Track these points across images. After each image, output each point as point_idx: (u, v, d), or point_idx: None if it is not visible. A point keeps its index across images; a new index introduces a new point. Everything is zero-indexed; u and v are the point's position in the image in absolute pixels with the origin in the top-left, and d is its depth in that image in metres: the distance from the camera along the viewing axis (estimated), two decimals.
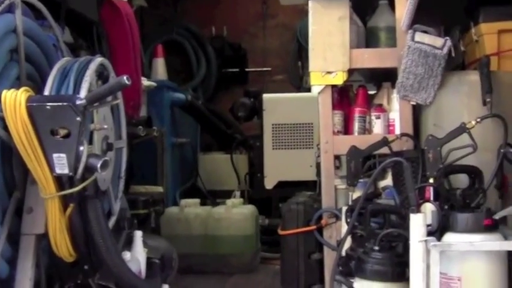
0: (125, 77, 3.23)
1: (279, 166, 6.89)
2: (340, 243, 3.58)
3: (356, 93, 4.34)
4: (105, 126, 3.59)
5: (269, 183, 6.94)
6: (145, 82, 5.96)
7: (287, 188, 6.42)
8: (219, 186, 7.54)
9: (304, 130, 6.87)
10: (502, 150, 3.56)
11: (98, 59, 3.60)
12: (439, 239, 3.15)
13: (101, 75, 3.64)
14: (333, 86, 4.22)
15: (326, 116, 4.21)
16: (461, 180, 3.60)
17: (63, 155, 3.25)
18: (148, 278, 4.08)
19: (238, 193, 6.97)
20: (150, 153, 6.51)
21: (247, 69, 9.24)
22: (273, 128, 6.93)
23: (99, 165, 3.32)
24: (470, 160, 3.63)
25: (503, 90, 3.93)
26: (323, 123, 4.21)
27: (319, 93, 4.22)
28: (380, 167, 3.42)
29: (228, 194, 7.00)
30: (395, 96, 4.20)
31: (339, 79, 4.16)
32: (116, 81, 3.39)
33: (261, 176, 7.04)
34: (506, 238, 3.12)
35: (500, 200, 3.77)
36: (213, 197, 7.26)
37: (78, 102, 3.21)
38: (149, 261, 4.14)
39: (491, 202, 3.61)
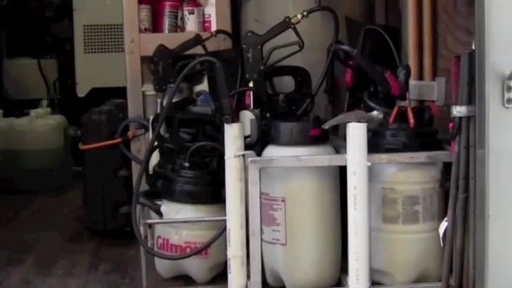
0: None
1: (93, 72, 6.31)
2: (144, 158, 3.06)
3: None
4: None
5: (81, 91, 6.37)
6: None
7: (102, 95, 5.84)
8: (27, 95, 6.88)
9: (121, 32, 6.23)
10: (332, 48, 3.12)
11: None
12: (259, 153, 2.72)
13: None
14: None
15: (131, 11, 3.90)
16: (287, 85, 3.30)
17: None
18: None
19: (45, 102, 6.42)
20: None
21: None
22: (84, 29, 6.31)
23: None
24: (297, 61, 3.31)
25: None
26: (127, 20, 3.94)
27: None
28: (187, 68, 2.91)
29: (37, 103, 6.46)
30: None
31: None
32: None
33: (72, 82, 6.47)
34: (337, 151, 2.73)
35: (331, 106, 3.41)
36: (21, 106, 6.60)
37: None
38: None
39: (320, 109, 3.31)
